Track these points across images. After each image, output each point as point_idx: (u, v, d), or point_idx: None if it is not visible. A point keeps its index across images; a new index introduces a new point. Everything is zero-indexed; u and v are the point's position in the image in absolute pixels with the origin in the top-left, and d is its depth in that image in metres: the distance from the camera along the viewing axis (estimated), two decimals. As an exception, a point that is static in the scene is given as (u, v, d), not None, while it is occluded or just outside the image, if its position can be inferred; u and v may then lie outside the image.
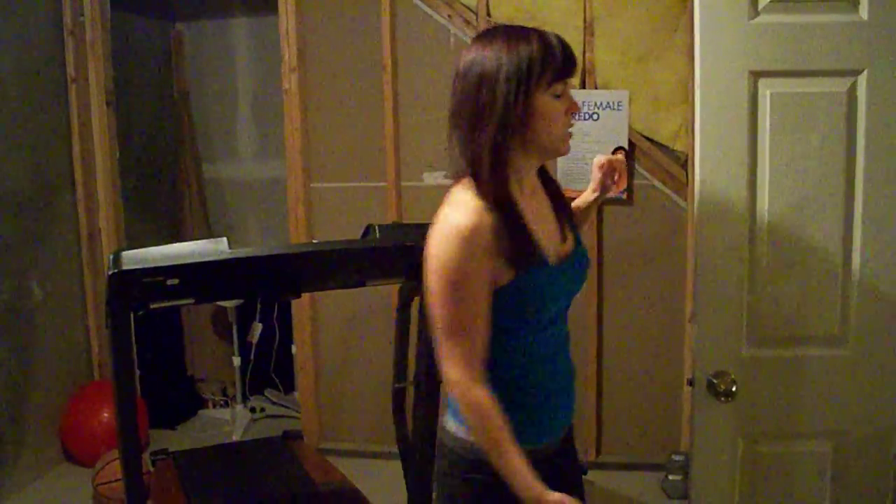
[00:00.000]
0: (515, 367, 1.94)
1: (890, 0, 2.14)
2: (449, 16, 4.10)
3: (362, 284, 2.82)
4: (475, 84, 1.84)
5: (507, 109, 1.81)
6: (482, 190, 1.82)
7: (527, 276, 1.84)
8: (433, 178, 4.22)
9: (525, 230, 1.86)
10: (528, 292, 1.86)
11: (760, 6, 2.15)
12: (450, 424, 1.99)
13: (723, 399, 2.18)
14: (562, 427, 2.05)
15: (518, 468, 1.78)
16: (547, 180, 2.06)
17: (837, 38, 2.15)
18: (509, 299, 1.85)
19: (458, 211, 1.80)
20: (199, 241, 2.33)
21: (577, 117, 1.96)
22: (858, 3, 2.15)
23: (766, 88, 2.15)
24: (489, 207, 1.80)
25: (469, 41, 3.95)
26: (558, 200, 2.06)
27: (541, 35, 1.86)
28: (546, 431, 2.01)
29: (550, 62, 1.84)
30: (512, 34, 1.86)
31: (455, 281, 1.78)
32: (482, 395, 1.80)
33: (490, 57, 1.83)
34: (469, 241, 1.77)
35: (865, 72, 2.16)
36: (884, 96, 2.17)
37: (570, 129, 1.92)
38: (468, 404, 1.81)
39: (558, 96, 1.87)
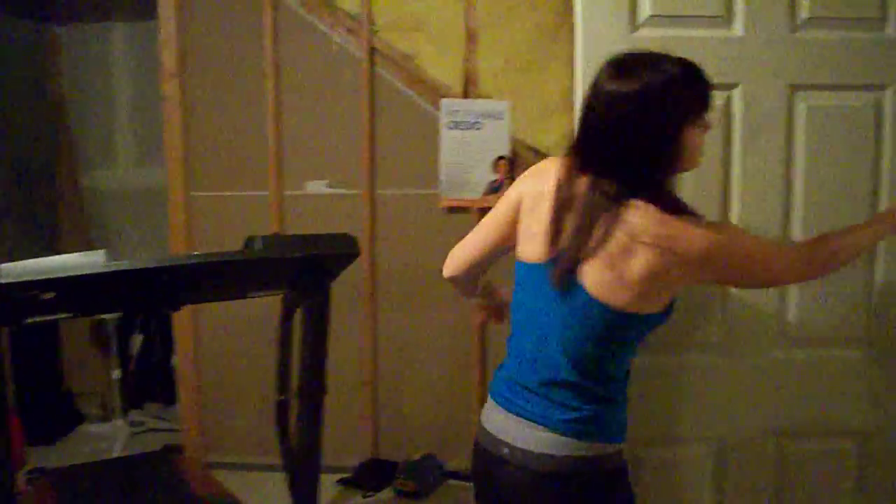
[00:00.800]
0: (628, 375, 2.03)
1: (764, 18, 2.21)
2: (332, 24, 4.07)
3: (243, 296, 2.78)
4: (625, 127, 1.81)
5: (658, 153, 1.81)
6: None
7: None
8: (315, 187, 4.18)
9: None
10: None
11: (640, 20, 2.20)
12: (597, 447, 1.94)
13: (606, 406, 2.21)
14: None
15: (865, 229, 2.05)
16: None
17: (714, 52, 2.21)
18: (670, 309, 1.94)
19: (697, 221, 1.84)
20: (76, 254, 2.26)
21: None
22: (734, 20, 2.21)
23: (646, 100, 2.19)
24: None
25: (352, 50, 4.00)
26: None
27: (683, 69, 1.81)
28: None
29: (696, 100, 1.84)
30: (652, 71, 1.78)
31: (746, 242, 1.94)
32: (811, 245, 2.00)
33: (633, 98, 1.78)
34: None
35: (740, 85, 2.23)
36: (757, 109, 2.23)
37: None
38: (826, 255, 1.97)
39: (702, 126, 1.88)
